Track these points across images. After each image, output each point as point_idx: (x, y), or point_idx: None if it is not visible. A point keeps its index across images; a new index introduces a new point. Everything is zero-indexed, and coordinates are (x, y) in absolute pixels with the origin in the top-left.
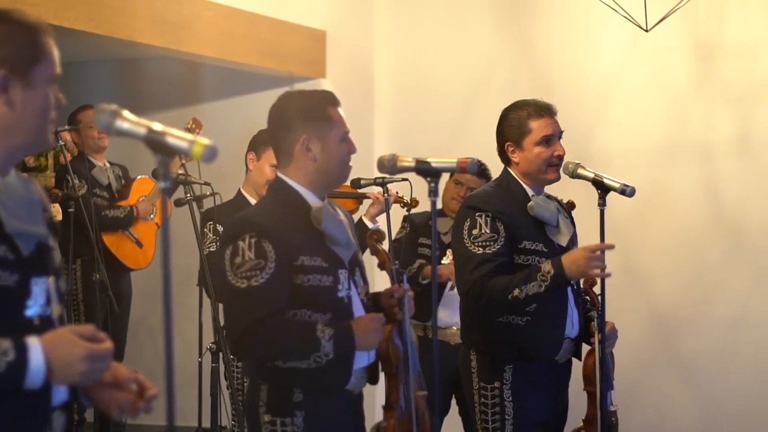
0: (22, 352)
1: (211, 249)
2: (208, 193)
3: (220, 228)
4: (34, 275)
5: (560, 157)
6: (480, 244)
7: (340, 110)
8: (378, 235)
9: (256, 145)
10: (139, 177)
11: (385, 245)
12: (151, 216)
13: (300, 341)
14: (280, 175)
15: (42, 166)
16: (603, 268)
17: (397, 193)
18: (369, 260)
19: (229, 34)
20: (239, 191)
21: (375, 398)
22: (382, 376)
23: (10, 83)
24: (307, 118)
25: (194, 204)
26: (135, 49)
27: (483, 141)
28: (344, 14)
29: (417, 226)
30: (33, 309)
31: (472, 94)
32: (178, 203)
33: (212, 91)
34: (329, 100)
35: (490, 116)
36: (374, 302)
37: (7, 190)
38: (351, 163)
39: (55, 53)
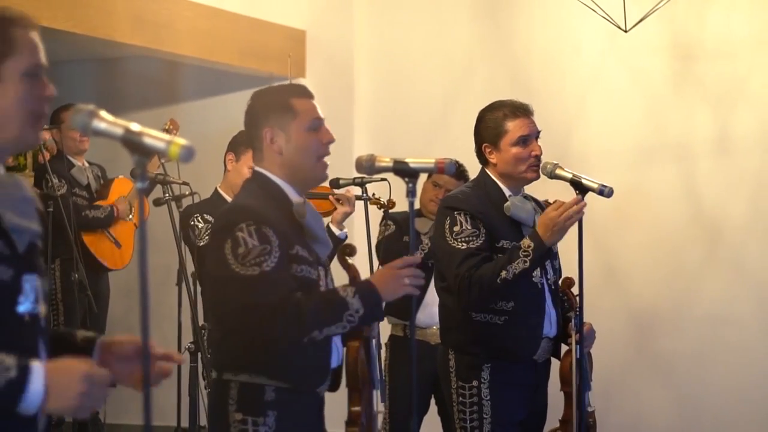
0: (24, 372)
1: (206, 239)
2: (186, 192)
3: (208, 216)
4: (26, 272)
5: (537, 157)
6: (463, 239)
7: (312, 101)
8: (350, 249)
9: (236, 145)
10: (118, 177)
11: (356, 259)
12: (130, 216)
13: (328, 306)
14: (257, 168)
15: (20, 165)
16: (576, 219)
17: (374, 194)
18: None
19: (209, 33)
20: (216, 190)
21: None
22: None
23: None
24: (269, 110)
25: (173, 204)
26: (114, 49)
27: (462, 141)
28: (324, 14)
29: (401, 223)
30: (24, 306)
31: (451, 93)
32: (157, 203)
33: (192, 90)
34: (295, 91)
35: (469, 116)
36: None
37: (2, 186)
38: (328, 158)
39: (33, 45)
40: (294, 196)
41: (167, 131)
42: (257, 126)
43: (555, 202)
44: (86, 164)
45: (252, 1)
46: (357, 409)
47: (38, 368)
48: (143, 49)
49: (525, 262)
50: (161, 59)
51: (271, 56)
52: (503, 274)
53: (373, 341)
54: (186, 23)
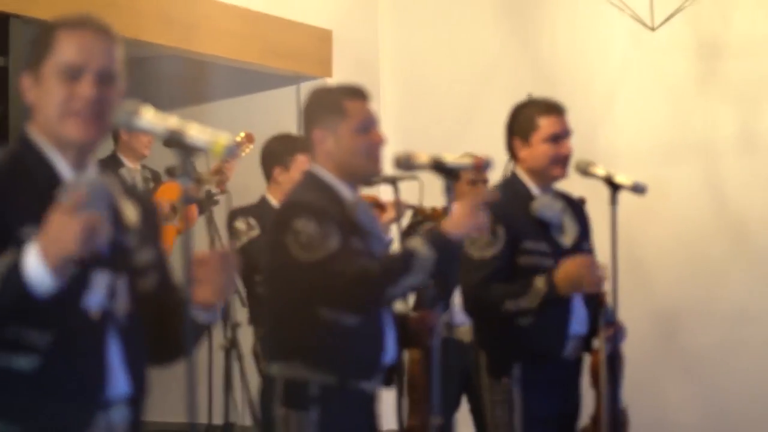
0: (19, 253)
1: (254, 233)
2: (216, 191)
3: (251, 221)
4: (95, 269)
5: (566, 157)
6: (478, 247)
7: (365, 103)
8: None
9: (280, 156)
10: (166, 181)
11: None
12: (174, 221)
13: (396, 259)
14: (310, 167)
15: None
16: (596, 281)
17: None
18: None
19: (236, 33)
20: (263, 197)
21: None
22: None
23: (28, 83)
24: (320, 111)
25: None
26: (141, 49)
27: (488, 140)
28: (350, 13)
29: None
30: (91, 301)
31: (476, 92)
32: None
33: (219, 90)
34: (348, 92)
35: (494, 114)
36: (402, 324)
37: (78, 186)
38: (380, 157)
39: (73, 44)
40: (347, 194)
41: (239, 145)
42: (309, 125)
43: (587, 260)
44: (138, 167)
45: (279, 0)
46: (415, 421)
47: (32, 244)
48: (170, 49)
49: (532, 302)
50: (188, 59)
51: (298, 56)
52: (508, 304)
53: (436, 352)
54: (213, 23)
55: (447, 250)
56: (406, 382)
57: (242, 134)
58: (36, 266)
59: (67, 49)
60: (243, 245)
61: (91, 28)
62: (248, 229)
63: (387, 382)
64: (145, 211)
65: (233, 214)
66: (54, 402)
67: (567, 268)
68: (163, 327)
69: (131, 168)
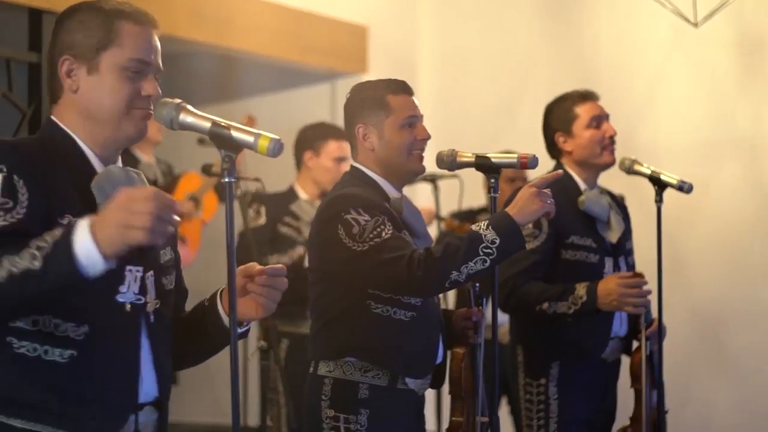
0: (70, 228)
1: (259, 222)
2: (253, 189)
3: (262, 209)
4: (129, 264)
5: (612, 138)
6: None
7: (410, 98)
8: None
9: (311, 141)
10: (186, 173)
11: None
12: (198, 213)
13: (461, 243)
14: (354, 164)
15: None
16: (637, 304)
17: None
18: None
19: (271, 29)
20: (291, 187)
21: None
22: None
23: (74, 69)
24: (363, 106)
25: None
26: (175, 45)
27: (528, 137)
28: (387, 9)
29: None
30: (125, 296)
31: (515, 89)
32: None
33: (252, 86)
34: (392, 87)
35: (534, 112)
36: (446, 321)
37: (108, 177)
38: (423, 152)
39: (139, 40)
40: (392, 192)
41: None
42: (351, 122)
43: (634, 275)
44: (154, 160)
45: None
46: (458, 419)
47: (82, 220)
48: (204, 45)
49: (570, 308)
50: (222, 55)
51: (334, 52)
52: (545, 306)
53: (480, 348)
54: (247, 19)
55: (512, 235)
56: (448, 379)
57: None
58: (89, 246)
59: (136, 45)
60: (243, 231)
61: (150, 23)
62: (256, 216)
63: (435, 384)
64: None
65: (255, 198)
66: (87, 396)
67: (611, 287)
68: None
69: (149, 163)
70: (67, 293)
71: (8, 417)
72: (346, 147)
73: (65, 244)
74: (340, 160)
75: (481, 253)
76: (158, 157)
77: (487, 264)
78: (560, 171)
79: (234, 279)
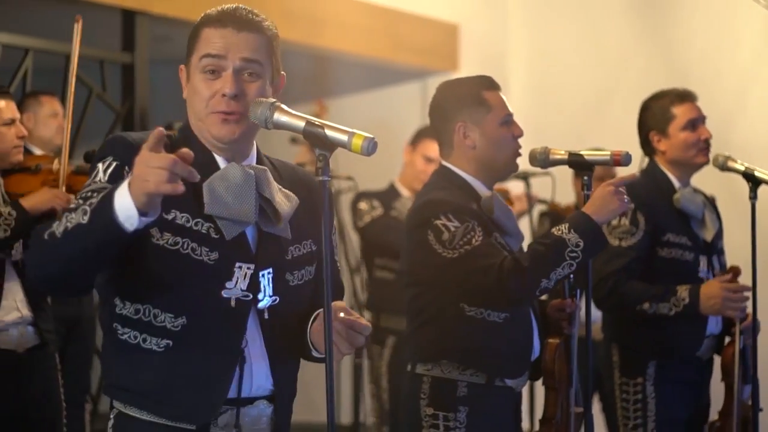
0: (117, 185)
1: (377, 212)
2: (346, 188)
3: (375, 202)
4: (239, 260)
5: (707, 141)
6: (617, 235)
7: (501, 94)
8: None
9: (415, 137)
10: None
11: None
12: None
13: (547, 250)
14: (444, 163)
15: None
16: (739, 309)
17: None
18: None
19: (362, 28)
20: (392, 184)
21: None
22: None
23: (183, 77)
24: (461, 104)
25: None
26: None
27: (618, 134)
28: (478, 7)
29: (555, 220)
30: (231, 291)
31: (606, 86)
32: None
33: (344, 85)
34: (485, 84)
35: (625, 109)
36: (540, 313)
37: (223, 176)
38: (521, 149)
39: (212, 38)
40: (482, 190)
41: (317, 115)
42: (447, 120)
43: (731, 271)
44: None
45: None
46: (553, 409)
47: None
48: (296, 45)
49: (671, 310)
50: (314, 54)
51: (425, 50)
52: (645, 306)
53: (574, 339)
54: (339, 18)
55: (595, 235)
56: (543, 370)
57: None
58: (125, 199)
59: (207, 46)
60: (365, 224)
61: (233, 22)
62: (370, 209)
63: (533, 377)
64: (310, 202)
65: (358, 197)
66: (180, 385)
67: (714, 291)
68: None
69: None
70: (118, 250)
71: (114, 399)
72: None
73: (108, 197)
74: (430, 160)
75: (568, 258)
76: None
77: (573, 267)
78: (636, 173)
79: (330, 271)
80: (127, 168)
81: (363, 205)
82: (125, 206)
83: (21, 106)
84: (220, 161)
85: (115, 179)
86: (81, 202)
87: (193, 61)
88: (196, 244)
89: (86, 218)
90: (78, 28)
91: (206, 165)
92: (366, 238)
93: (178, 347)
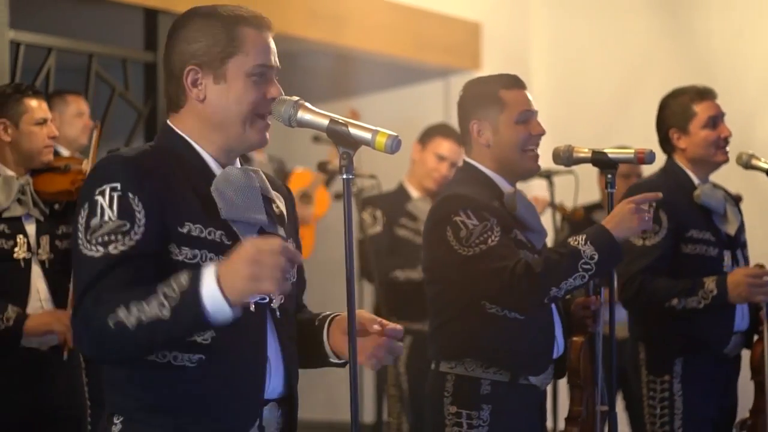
0: (196, 277)
1: (376, 230)
2: (369, 186)
3: (378, 214)
4: None
5: (726, 139)
6: (640, 235)
7: (524, 92)
8: None
9: (424, 135)
10: (297, 169)
11: None
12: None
13: (561, 259)
14: (467, 159)
15: None
16: (766, 293)
17: (561, 203)
18: None
19: (385, 26)
20: (401, 184)
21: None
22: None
23: (199, 78)
24: (476, 103)
25: (355, 198)
26: (289, 43)
27: (641, 132)
28: (500, 6)
29: (576, 227)
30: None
31: (629, 85)
32: (340, 196)
33: (367, 84)
34: (505, 82)
35: (648, 107)
36: (565, 311)
37: (227, 179)
38: (538, 149)
39: (262, 45)
40: (505, 187)
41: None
42: (465, 118)
43: (758, 267)
44: (266, 159)
45: None
46: (578, 408)
47: (209, 266)
48: (318, 44)
49: (700, 302)
50: (336, 53)
51: (447, 49)
52: (674, 302)
53: (599, 337)
54: (361, 16)
55: (611, 250)
56: (567, 369)
57: None
58: (216, 297)
59: (259, 51)
60: (368, 238)
61: (267, 25)
62: (373, 222)
63: (557, 375)
64: (288, 204)
65: (364, 204)
66: (219, 397)
67: (739, 278)
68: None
69: (260, 160)
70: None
71: (145, 422)
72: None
73: (193, 295)
74: (442, 158)
75: (581, 269)
76: (270, 153)
77: (586, 279)
78: (659, 194)
79: (353, 271)
80: (131, 194)
81: (366, 216)
82: (218, 306)
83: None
84: (214, 166)
85: (125, 212)
86: (102, 249)
87: (234, 65)
88: (213, 254)
89: (166, 313)
90: (96, 135)
91: (202, 170)
92: (363, 251)
93: (211, 360)
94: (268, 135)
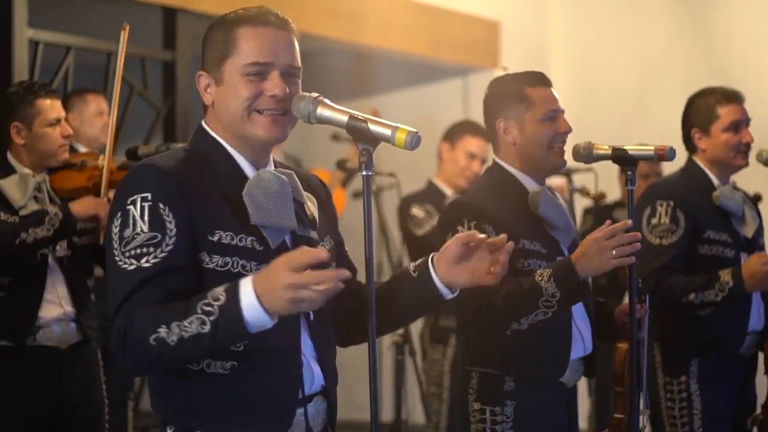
0: (234, 292)
1: (433, 224)
2: (388, 184)
3: (430, 208)
4: None
5: (748, 145)
6: (657, 234)
7: (550, 90)
8: None
9: (451, 134)
10: (314, 169)
11: None
12: None
13: (522, 296)
14: (495, 159)
15: None
16: None
17: (584, 186)
18: None
19: (404, 25)
20: (431, 181)
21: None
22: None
23: (208, 83)
24: (502, 101)
25: (374, 196)
26: (309, 42)
27: (660, 130)
28: (518, 3)
29: (598, 217)
30: None
31: (648, 83)
32: (358, 195)
33: (386, 82)
34: (530, 80)
35: (666, 105)
36: (605, 314)
37: (259, 184)
38: (564, 146)
39: (258, 43)
40: (531, 186)
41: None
42: (491, 116)
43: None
44: (281, 156)
45: None
46: (620, 416)
47: (246, 281)
48: (338, 42)
49: (717, 295)
50: (356, 52)
51: (466, 47)
52: (691, 297)
53: (644, 343)
54: (380, 15)
55: (574, 288)
56: (612, 375)
57: None
58: (257, 312)
59: (252, 49)
60: (426, 233)
61: (271, 23)
62: (428, 216)
63: (588, 374)
64: (320, 200)
65: (407, 202)
66: (254, 400)
67: (754, 267)
68: (342, 312)
69: (278, 160)
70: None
71: (183, 426)
72: (481, 143)
73: (234, 310)
74: (473, 156)
75: (542, 306)
76: (287, 152)
77: (548, 315)
78: (629, 221)
79: (372, 273)
80: (161, 204)
81: (418, 212)
82: (259, 320)
83: (66, 105)
84: (247, 168)
85: (156, 223)
86: (135, 262)
87: (229, 66)
88: (245, 260)
89: (207, 329)
90: (124, 35)
91: (234, 174)
92: (425, 245)
93: (244, 366)
94: (277, 129)
